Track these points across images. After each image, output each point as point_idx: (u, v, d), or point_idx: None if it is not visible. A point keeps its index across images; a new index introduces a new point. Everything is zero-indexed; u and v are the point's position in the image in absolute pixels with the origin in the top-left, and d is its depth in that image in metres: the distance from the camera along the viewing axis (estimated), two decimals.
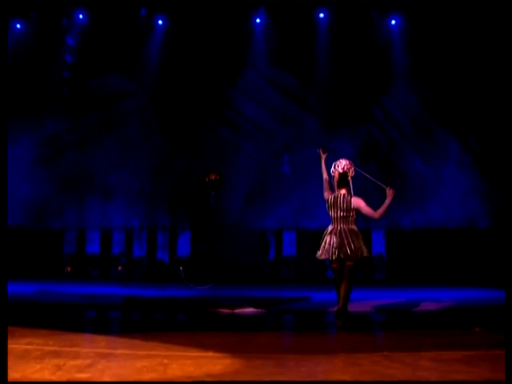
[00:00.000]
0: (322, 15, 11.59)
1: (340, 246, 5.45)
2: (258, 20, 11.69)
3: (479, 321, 6.18)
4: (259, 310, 7.10)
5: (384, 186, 5.49)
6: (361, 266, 11.90)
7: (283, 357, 4.30)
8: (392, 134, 11.59)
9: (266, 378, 3.67)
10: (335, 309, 5.59)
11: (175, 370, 3.87)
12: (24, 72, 10.89)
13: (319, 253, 5.67)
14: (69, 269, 12.50)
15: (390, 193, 5.38)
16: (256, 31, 11.68)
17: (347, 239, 5.45)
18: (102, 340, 4.94)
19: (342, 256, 5.47)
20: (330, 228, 5.61)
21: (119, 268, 12.26)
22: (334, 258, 5.51)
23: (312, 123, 11.58)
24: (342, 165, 5.62)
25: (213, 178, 9.07)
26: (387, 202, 5.35)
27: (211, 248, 11.25)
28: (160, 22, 11.52)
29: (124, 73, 11.26)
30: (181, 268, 10.14)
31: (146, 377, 3.68)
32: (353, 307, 6.99)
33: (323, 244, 5.63)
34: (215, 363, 4.11)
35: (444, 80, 11.24)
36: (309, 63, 11.55)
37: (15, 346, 4.50)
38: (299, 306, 7.58)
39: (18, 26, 11.09)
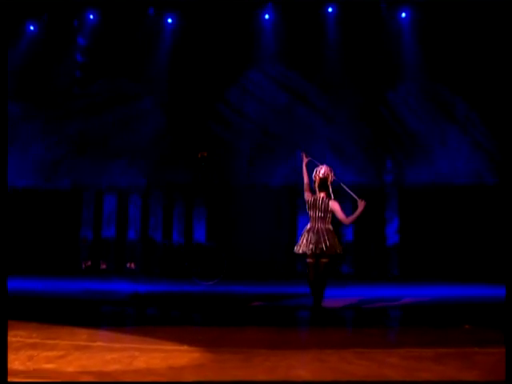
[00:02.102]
0: (330, 9, 11.49)
1: (316, 243, 6.01)
2: (266, 16, 11.67)
3: (473, 318, 6.09)
4: (253, 305, 7.17)
5: (357, 198, 6.04)
6: (375, 260, 11.78)
7: (254, 351, 4.33)
8: (400, 131, 11.41)
9: (227, 372, 3.72)
10: (311, 306, 6.18)
11: (141, 363, 3.96)
12: (37, 71, 11.18)
13: (297, 248, 6.20)
14: (87, 263, 12.69)
15: (361, 204, 5.96)
16: (265, 28, 11.64)
17: (323, 237, 6.01)
18: (85, 333, 5.06)
19: (317, 252, 6.03)
20: (308, 226, 6.18)
21: (132, 266, 12.43)
22: (309, 252, 6.06)
23: (319, 121, 11.50)
24: (322, 170, 6.19)
25: (200, 155, 9.79)
26: (358, 211, 5.98)
27: (225, 239, 11.29)
28: (169, 20, 11.62)
29: (133, 72, 11.39)
30: (186, 264, 10.31)
31: (110, 368, 3.78)
32: (342, 303, 7.30)
33: (301, 240, 6.17)
34: (183, 357, 4.18)
35: (457, 74, 11.00)
36: (317, 60, 11.45)
37: None
38: (294, 303, 7.62)
39: (32, 27, 11.39)
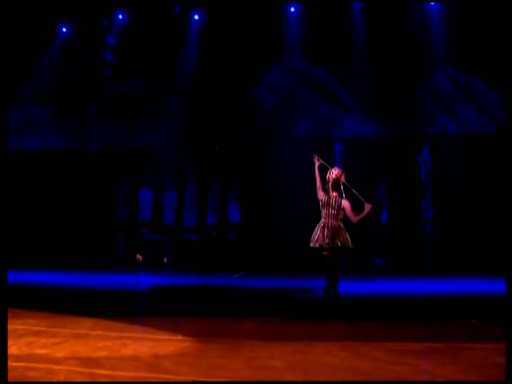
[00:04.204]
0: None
1: (332, 238, 6.58)
2: (292, 9, 11.68)
3: (487, 313, 5.99)
4: (266, 297, 7.39)
5: (364, 201, 6.65)
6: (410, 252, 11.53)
7: (242, 342, 4.45)
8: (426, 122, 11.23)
9: (206, 360, 3.88)
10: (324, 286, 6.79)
11: (129, 350, 4.16)
12: (70, 70, 11.67)
13: (313, 243, 6.70)
14: (140, 258, 12.97)
15: (367, 207, 6.59)
16: (291, 21, 11.64)
17: (338, 233, 6.61)
18: (90, 322, 5.30)
19: (334, 246, 6.58)
20: (322, 222, 6.72)
21: (165, 260, 12.71)
22: (326, 246, 6.60)
23: (345, 116, 11.44)
24: (335, 172, 6.76)
25: (216, 149, 11.20)
26: (365, 213, 6.62)
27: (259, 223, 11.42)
28: (196, 16, 11.82)
29: (160, 70, 11.67)
30: (211, 257, 10.53)
31: (97, 354, 4.00)
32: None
33: (316, 235, 6.68)
34: (172, 346, 4.36)
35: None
36: (343, 55, 11.37)
37: (8, 325, 4.94)
38: (310, 295, 7.82)
39: (64, 29, 11.88)
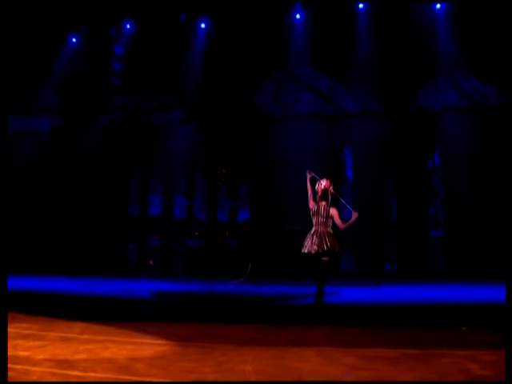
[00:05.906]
0: (361, 5, 11.34)
1: (319, 244, 7.06)
2: (297, 16, 11.77)
3: (479, 320, 5.98)
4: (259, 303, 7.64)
5: (351, 209, 7.15)
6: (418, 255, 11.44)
7: (220, 346, 4.57)
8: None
9: (178, 364, 3.99)
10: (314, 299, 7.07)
11: (107, 353, 4.31)
12: (79, 80, 12.00)
13: (303, 249, 7.16)
14: (151, 262, 13.16)
15: (354, 215, 7.04)
16: (296, 28, 11.74)
17: (324, 239, 7.07)
18: (80, 326, 5.48)
19: (320, 251, 7.03)
20: (312, 230, 7.20)
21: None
22: (314, 252, 7.07)
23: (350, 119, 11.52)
24: (324, 183, 7.25)
25: (224, 171, 11.39)
26: (351, 221, 7.08)
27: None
28: (203, 25, 12.01)
29: (166, 79, 11.89)
30: (213, 263, 10.67)
31: (75, 357, 4.15)
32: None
33: (307, 242, 7.15)
34: (151, 349, 4.50)
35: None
36: (348, 59, 11.42)
37: None
38: (291, 302, 7.97)
39: (74, 39, 12.22)
